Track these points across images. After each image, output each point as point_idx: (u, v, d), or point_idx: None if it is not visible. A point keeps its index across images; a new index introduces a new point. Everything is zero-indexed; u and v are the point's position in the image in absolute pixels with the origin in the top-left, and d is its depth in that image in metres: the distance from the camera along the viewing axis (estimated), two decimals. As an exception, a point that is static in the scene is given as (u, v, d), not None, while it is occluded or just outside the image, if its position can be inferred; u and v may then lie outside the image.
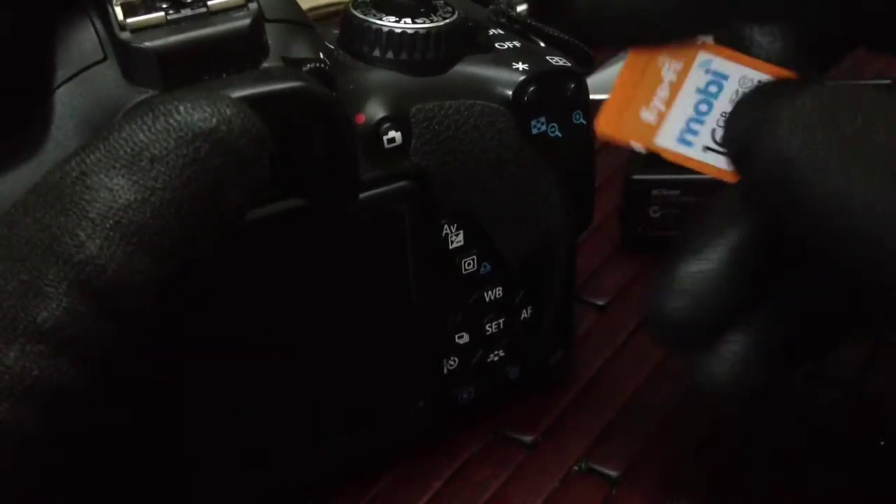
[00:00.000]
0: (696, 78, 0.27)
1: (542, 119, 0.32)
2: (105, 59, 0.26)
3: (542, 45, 0.33)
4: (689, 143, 0.27)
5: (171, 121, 0.21)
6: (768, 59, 0.27)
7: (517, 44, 0.32)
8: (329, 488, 0.34)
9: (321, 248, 0.29)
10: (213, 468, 0.31)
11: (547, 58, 0.32)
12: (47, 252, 0.20)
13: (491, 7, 0.34)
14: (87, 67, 0.26)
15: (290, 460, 0.32)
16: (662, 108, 0.27)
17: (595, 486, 0.34)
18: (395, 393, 0.34)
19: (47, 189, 0.21)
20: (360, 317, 0.31)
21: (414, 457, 0.35)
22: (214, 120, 0.21)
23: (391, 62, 0.30)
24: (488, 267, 0.33)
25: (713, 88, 0.27)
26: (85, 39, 0.26)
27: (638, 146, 0.27)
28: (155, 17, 0.25)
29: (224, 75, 0.26)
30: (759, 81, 0.26)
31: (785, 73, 0.26)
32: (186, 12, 0.26)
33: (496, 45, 0.32)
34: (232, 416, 0.30)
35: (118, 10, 0.25)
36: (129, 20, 0.25)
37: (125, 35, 0.25)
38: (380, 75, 0.30)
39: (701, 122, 0.27)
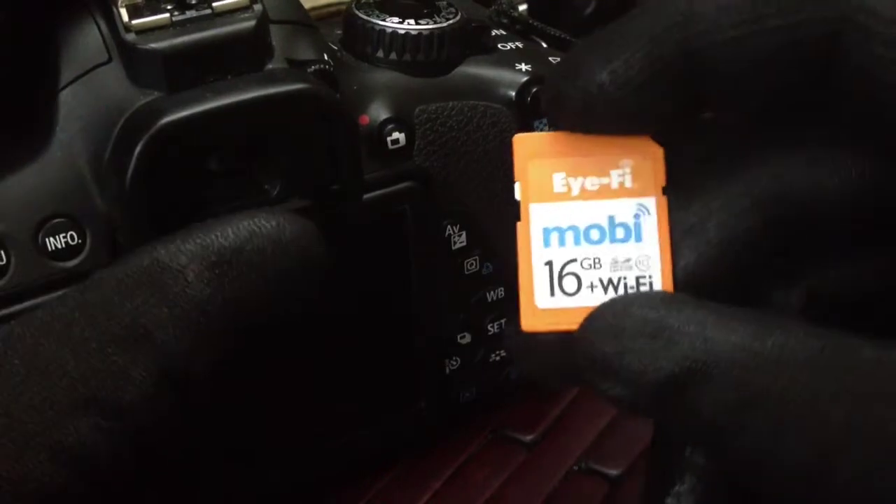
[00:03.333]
0: (623, 208, 0.21)
1: (545, 120, 0.32)
2: (110, 60, 0.26)
3: (545, 45, 0.33)
4: (547, 243, 0.21)
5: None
6: None
7: (520, 45, 0.32)
8: (329, 488, 0.34)
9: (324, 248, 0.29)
10: (212, 468, 0.31)
11: (549, 58, 0.32)
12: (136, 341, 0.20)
13: (493, 7, 0.34)
14: (92, 69, 0.26)
15: (290, 460, 0.32)
16: (573, 192, 0.21)
17: (595, 485, 0.34)
18: (396, 393, 0.34)
19: (135, 273, 0.21)
20: (362, 317, 0.31)
21: (414, 457, 0.35)
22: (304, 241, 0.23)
23: (394, 63, 0.30)
24: (490, 267, 0.33)
25: (620, 233, 0.21)
26: (90, 41, 0.26)
27: (517, 190, 0.21)
28: (160, 19, 0.25)
29: (229, 77, 0.26)
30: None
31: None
32: (191, 14, 0.25)
33: (499, 45, 0.32)
34: (232, 416, 0.30)
35: (123, 12, 0.25)
36: (135, 22, 0.25)
37: (130, 36, 0.25)
38: (383, 76, 0.30)
39: (577, 243, 0.21)
